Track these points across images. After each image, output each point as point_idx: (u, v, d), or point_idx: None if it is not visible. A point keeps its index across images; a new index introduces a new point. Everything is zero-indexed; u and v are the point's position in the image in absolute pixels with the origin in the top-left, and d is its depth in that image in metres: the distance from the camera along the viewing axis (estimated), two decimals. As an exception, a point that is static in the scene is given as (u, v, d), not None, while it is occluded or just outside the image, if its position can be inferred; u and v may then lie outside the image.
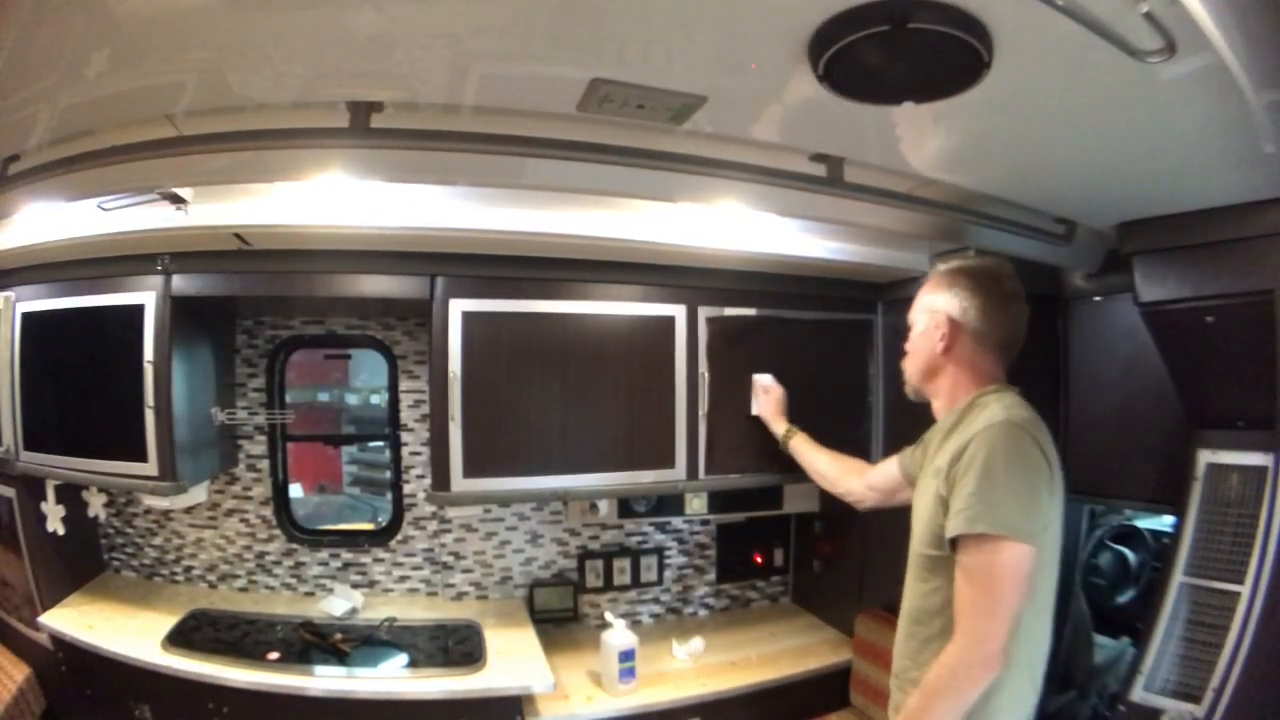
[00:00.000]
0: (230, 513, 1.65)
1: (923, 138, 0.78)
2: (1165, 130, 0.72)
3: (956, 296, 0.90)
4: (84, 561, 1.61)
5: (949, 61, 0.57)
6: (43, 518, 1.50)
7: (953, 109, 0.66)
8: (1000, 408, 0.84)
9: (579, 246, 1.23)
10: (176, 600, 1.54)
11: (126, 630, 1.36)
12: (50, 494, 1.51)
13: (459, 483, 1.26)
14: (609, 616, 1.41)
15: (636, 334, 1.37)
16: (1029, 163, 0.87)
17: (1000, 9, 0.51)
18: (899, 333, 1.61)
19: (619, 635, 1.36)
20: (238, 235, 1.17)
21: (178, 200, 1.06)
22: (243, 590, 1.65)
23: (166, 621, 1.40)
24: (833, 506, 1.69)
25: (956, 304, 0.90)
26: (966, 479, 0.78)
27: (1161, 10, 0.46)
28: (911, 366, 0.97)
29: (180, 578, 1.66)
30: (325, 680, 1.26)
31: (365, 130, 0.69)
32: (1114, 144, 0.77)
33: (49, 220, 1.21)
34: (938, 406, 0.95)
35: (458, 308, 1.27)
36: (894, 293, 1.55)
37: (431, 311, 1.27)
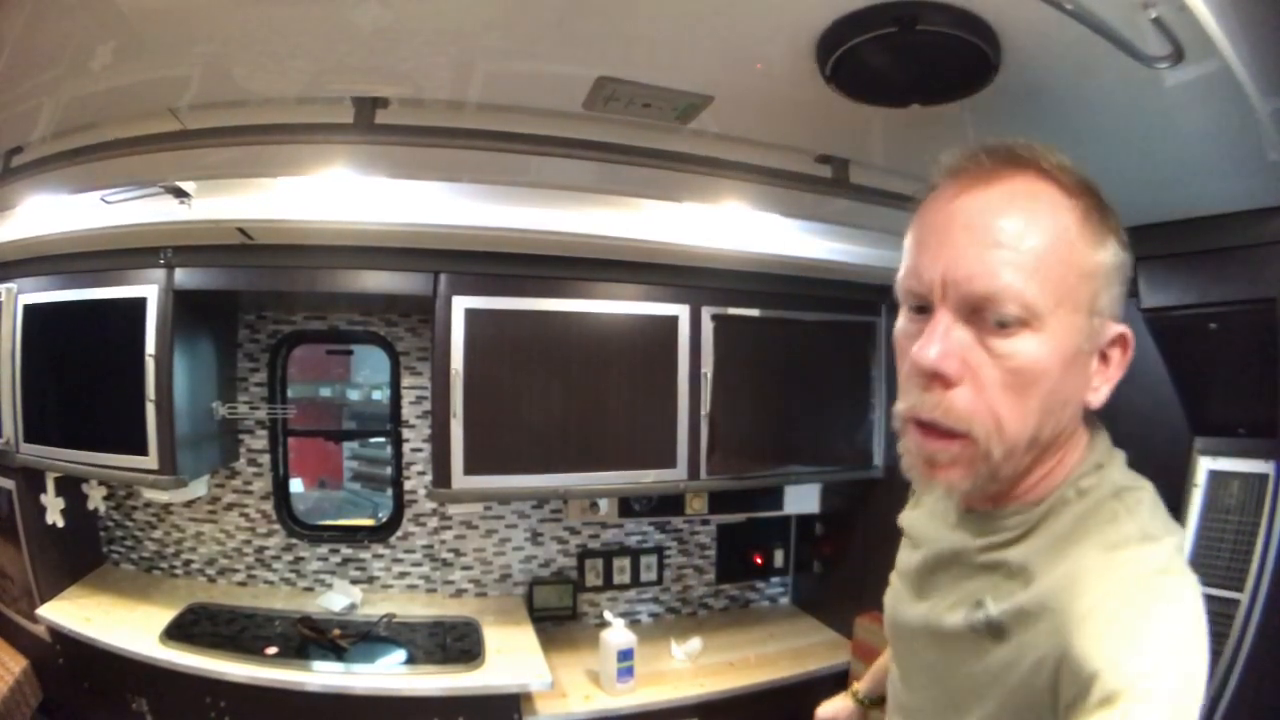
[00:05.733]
0: (230, 507, 1.66)
1: (929, 140, 0.77)
2: (1170, 135, 0.72)
3: (1123, 276, 0.41)
4: (83, 554, 1.61)
5: (956, 64, 0.57)
6: (42, 510, 1.50)
7: (959, 112, 0.66)
8: (1142, 517, 0.39)
9: (583, 245, 1.22)
10: (175, 594, 1.54)
11: (125, 623, 1.36)
12: (50, 486, 1.50)
13: (460, 479, 1.27)
14: (608, 615, 1.41)
15: (639, 333, 1.37)
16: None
17: (1008, 12, 0.51)
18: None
19: (618, 634, 1.36)
20: (241, 229, 1.17)
21: (181, 194, 1.06)
22: (242, 584, 1.65)
23: (165, 615, 1.40)
24: (834, 508, 1.71)
25: (1123, 292, 0.41)
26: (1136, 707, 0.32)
27: (1170, 16, 0.46)
28: (1018, 422, 0.39)
29: (179, 571, 1.66)
30: (323, 676, 1.26)
31: (370, 126, 0.69)
32: (1118, 148, 0.77)
33: (52, 213, 1.21)
34: (984, 495, 0.43)
35: (461, 305, 1.27)
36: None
37: (434, 308, 1.27)
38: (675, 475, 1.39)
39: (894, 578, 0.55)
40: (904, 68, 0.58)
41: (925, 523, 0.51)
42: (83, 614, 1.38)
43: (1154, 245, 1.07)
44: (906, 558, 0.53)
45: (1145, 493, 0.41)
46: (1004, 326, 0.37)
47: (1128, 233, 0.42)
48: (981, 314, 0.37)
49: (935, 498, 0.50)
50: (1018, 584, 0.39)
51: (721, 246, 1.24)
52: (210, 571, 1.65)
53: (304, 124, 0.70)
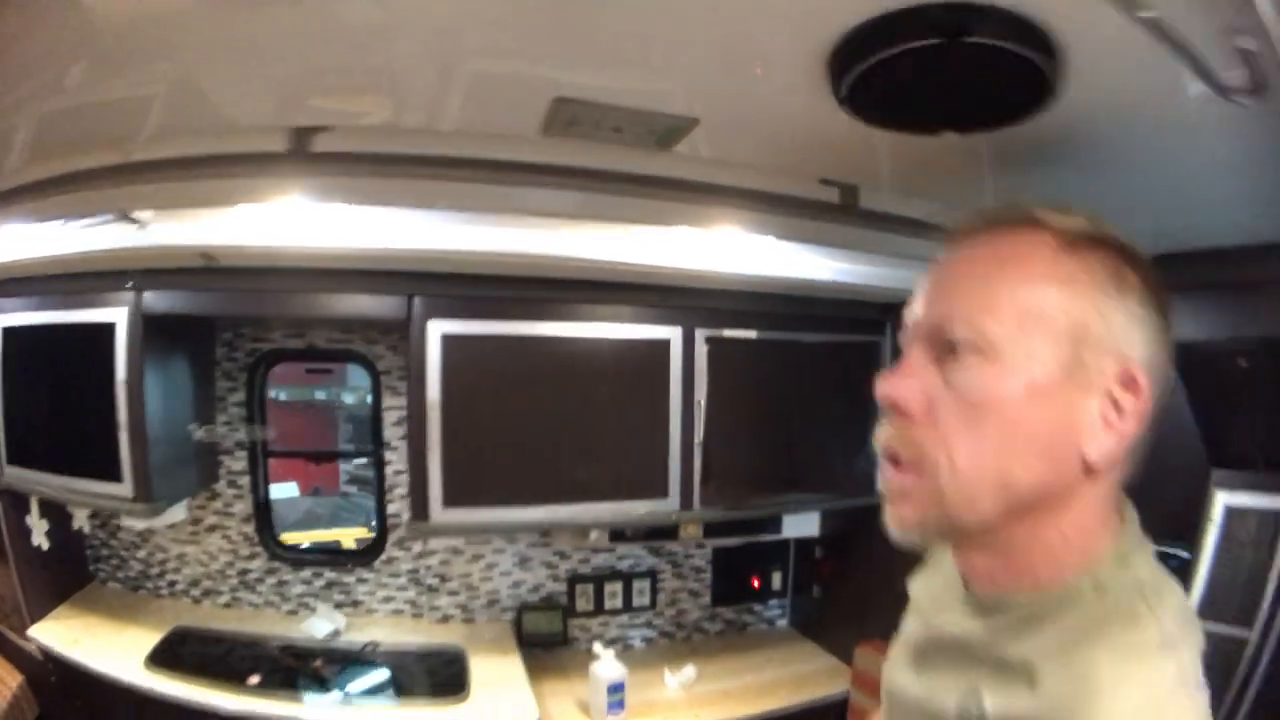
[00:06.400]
0: (212, 528, 1.61)
1: (957, 169, 0.67)
2: (1213, 161, 0.63)
3: (1145, 324, 0.36)
4: (70, 573, 1.59)
5: (1005, 87, 0.45)
6: (28, 530, 1.47)
7: (1000, 141, 0.55)
8: (1165, 619, 0.34)
9: (566, 267, 1.15)
10: (161, 615, 1.51)
11: (111, 646, 1.34)
12: (34, 508, 1.47)
13: (439, 513, 1.21)
14: (597, 648, 1.36)
15: (629, 357, 1.30)
16: (1072, 194, 0.76)
17: (1076, 26, 0.40)
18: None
19: (608, 667, 1.31)
20: (203, 254, 1.11)
21: (133, 220, 1.00)
22: (227, 606, 1.62)
23: (150, 638, 1.38)
24: (834, 530, 1.65)
25: (1143, 338, 0.36)
26: None
27: (1259, 49, 0.37)
28: (971, 457, 0.36)
29: (165, 591, 1.63)
30: (304, 709, 1.22)
31: (306, 155, 0.62)
32: (1158, 172, 0.68)
33: (20, 236, 1.15)
34: (984, 568, 0.40)
35: (436, 329, 1.20)
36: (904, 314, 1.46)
37: (409, 333, 1.20)
38: (667, 506, 1.33)
39: (895, 645, 0.50)
40: (940, 89, 0.47)
41: (933, 595, 0.47)
42: (71, 635, 1.36)
43: (1187, 274, 0.98)
44: (910, 627, 0.49)
45: (1172, 592, 0.36)
46: (957, 352, 0.36)
47: (1156, 260, 0.38)
48: (940, 343, 0.37)
49: (948, 567, 0.45)
50: (1020, 684, 0.35)
51: (716, 269, 1.16)
52: (195, 593, 1.62)
53: (237, 154, 0.63)
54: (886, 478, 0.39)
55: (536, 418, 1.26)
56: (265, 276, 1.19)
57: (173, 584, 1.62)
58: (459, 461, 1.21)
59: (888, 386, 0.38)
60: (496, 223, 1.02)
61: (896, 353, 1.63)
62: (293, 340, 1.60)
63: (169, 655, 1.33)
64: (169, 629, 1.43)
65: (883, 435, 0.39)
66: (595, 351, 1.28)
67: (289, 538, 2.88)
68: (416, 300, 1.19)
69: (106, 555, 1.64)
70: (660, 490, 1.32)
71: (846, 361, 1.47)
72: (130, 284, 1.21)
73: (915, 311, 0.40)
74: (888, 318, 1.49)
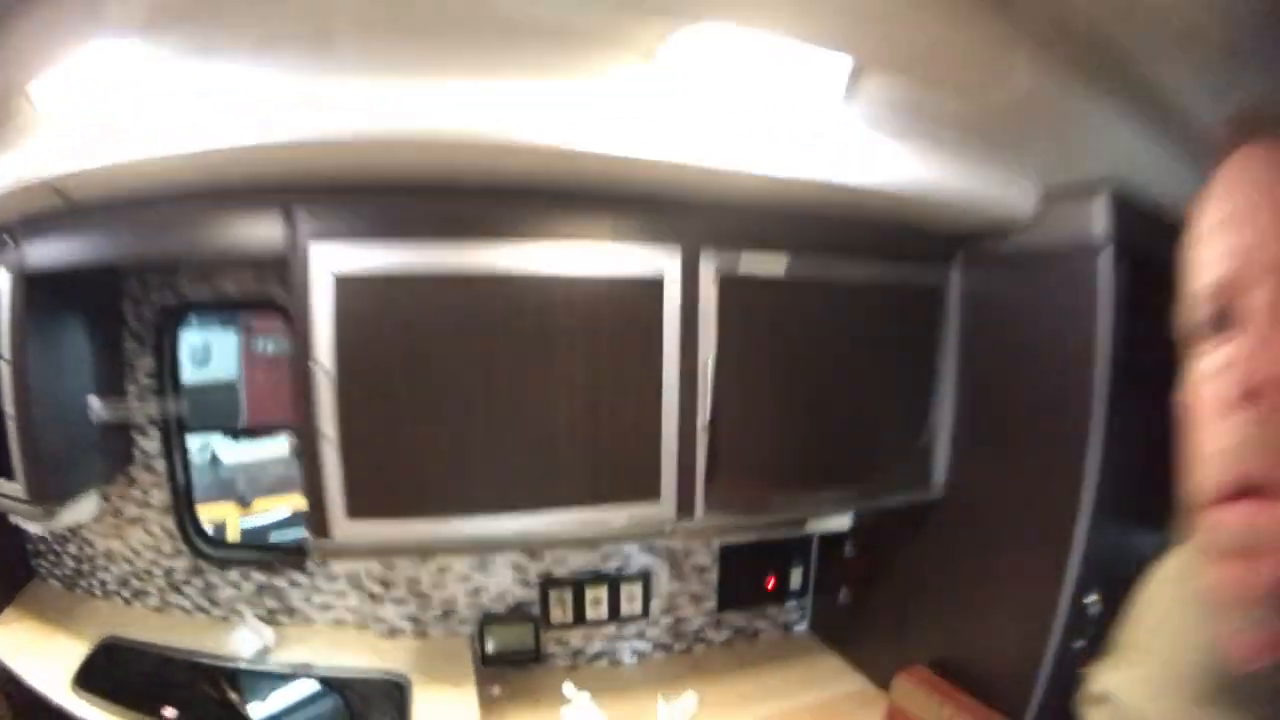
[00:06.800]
0: (134, 521, 1.38)
1: None
2: None
3: None
4: (13, 572, 1.43)
5: None
6: (-36, 530, 1.28)
7: None
8: None
9: (514, 165, 0.77)
10: (94, 619, 1.34)
11: (45, 655, 1.20)
12: (-35, 503, 1.28)
13: (343, 526, 0.87)
14: (568, 690, 1.08)
15: (605, 300, 0.91)
16: None
17: None
18: (986, 302, 1.10)
19: (581, 715, 1.04)
20: (55, 190, 0.81)
21: None
22: (157, 610, 1.41)
23: (80, 649, 1.23)
24: (869, 524, 1.32)
25: None
26: None
27: None
28: None
29: (98, 591, 1.43)
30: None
31: None
32: None
33: None
34: None
35: (326, 260, 0.81)
36: (979, 246, 1.06)
37: (289, 269, 0.82)
38: (659, 512, 0.98)
39: None
40: None
41: (1153, 693, 0.31)
42: (15, 644, 1.24)
43: None
44: None
45: None
46: None
47: None
48: None
49: (1182, 645, 0.30)
50: None
51: (730, 166, 0.76)
52: (125, 593, 1.42)
53: None
54: (1240, 523, 0.23)
55: (473, 393, 0.89)
56: (134, 210, 0.86)
57: (104, 583, 1.43)
58: (367, 455, 0.86)
59: (1253, 361, 0.24)
60: (400, 70, 0.65)
61: (967, 299, 1.17)
62: (201, 287, 1.29)
63: (95, 674, 1.17)
64: (98, 640, 1.27)
65: (1229, 450, 0.23)
66: (557, 294, 0.90)
67: (262, 504, 2.68)
68: (297, 215, 0.81)
69: (43, 550, 1.46)
70: (650, 490, 0.97)
71: (901, 309, 1.08)
72: (6, 238, 0.96)
73: (1248, 243, 0.26)
74: (956, 250, 1.09)
